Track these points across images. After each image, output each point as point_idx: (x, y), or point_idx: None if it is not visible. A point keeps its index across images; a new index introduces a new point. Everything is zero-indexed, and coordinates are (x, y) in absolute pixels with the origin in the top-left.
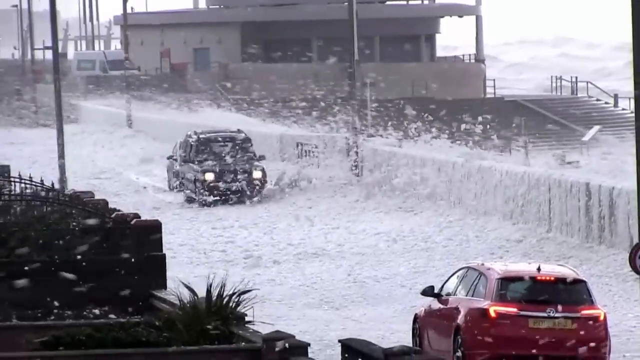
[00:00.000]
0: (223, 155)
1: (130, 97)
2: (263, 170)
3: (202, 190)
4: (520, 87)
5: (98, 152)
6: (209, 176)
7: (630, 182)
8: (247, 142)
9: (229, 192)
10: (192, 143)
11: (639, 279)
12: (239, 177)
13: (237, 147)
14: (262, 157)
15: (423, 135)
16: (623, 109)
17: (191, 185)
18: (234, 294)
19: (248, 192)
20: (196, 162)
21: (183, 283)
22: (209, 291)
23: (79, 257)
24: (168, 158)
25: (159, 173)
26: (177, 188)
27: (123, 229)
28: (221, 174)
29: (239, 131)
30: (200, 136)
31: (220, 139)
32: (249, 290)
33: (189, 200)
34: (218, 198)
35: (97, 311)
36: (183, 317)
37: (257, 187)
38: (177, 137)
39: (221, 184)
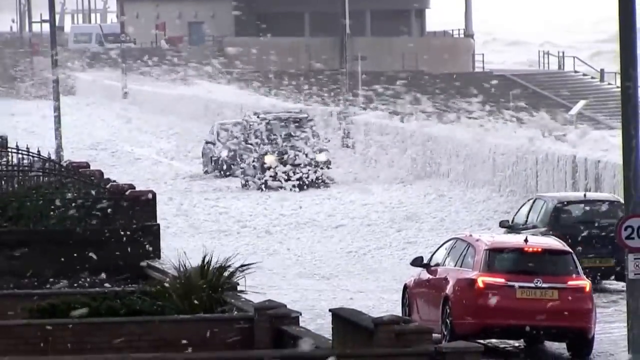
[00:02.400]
0: (285, 137)
1: (126, 69)
2: (327, 152)
3: (262, 175)
4: (508, 62)
5: (94, 123)
6: (270, 159)
7: (616, 155)
8: (309, 123)
9: (291, 176)
10: (252, 124)
11: (625, 251)
12: (302, 160)
13: (299, 128)
14: (325, 139)
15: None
16: (609, 84)
17: (250, 169)
18: (228, 264)
19: (312, 176)
20: (256, 145)
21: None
22: (204, 261)
23: (74, 227)
24: (206, 143)
25: (154, 144)
26: (214, 173)
27: (118, 199)
28: (283, 157)
29: (300, 111)
30: (261, 117)
31: (281, 119)
32: (251, 264)
33: (246, 184)
34: (280, 182)
35: (92, 280)
36: (177, 286)
37: (322, 171)
38: (171, 109)
39: (283, 168)
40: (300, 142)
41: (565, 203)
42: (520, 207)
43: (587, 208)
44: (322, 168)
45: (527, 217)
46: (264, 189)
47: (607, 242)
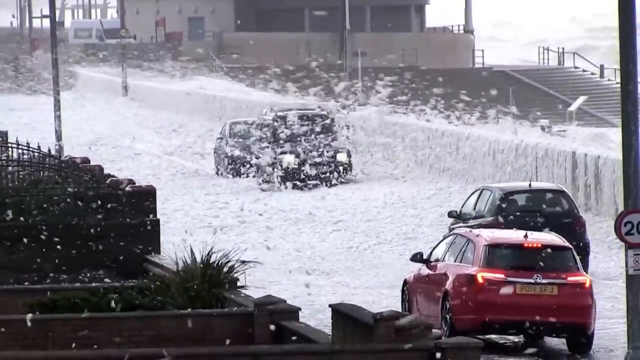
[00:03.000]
0: (304, 136)
1: (126, 65)
2: (348, 153)
3: (280, 175)
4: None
5: (94, 118)
6: (289, 159)
7: (616, 152)
8: (329, 122)
9: (311, 177)
10: (269, 122)
11: (624, 246)
12: (322, 160)
13: (319, 127)
14: (346, 138)
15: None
16: (609, 80)
17: (268, 168)
18: (228, 260)
19: (332, 178)
20: (273, 144)
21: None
22: (203, 256)
23: (74, 222)
24: (217, 141)
25: (154, 139)
26: (226, 172)
27: (118, 194)
28: (302, 157)
29: (320, 109)
30: (278, 114)
31: (300, 117)
32: (250, 261)
33: (264, 185)
34: (298, 183)
35: (91, 275)
36: (177, 281)
37: (343, 172)
38: (170, 105)
39: (302, 168)
40: (320, 141)
41: (511, 193)
42: (468, 198)
43: (532, 197)
44: (343, 168)
45: (475, 207)
46: (282, 189)
47: (551, 229)
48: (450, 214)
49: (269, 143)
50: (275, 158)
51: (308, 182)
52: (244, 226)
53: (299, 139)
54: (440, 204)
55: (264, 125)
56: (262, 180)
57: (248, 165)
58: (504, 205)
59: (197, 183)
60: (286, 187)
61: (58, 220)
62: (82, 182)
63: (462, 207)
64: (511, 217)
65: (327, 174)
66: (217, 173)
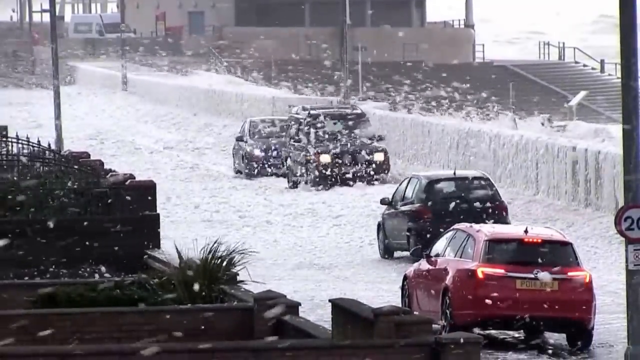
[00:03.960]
0: (338, 134)
1: (126, 59)
2: (385, 152)
3: (315, 174)
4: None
5: (94, 113)
6: (325, 158)
7: (616, 146)
8: (364, 120)
9: (346, 177)
10: (302, 120)
11: (624, 241)
12: (358, 159)
13: (353, 126)
14: (381, 138)
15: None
16: (609, 75)
17: (301, 168)
18: (228, 254)
19: (368, 177)
20: (308, 142)
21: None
22: (203, 251)
23: (74, 217)
24: (236, 139)
25: (155, 134)
26: (245, 172)
27: (117, 189)
28: (338, 156)
29: (353, 107)
30: (312, 112)
31: (334, 116)
32: (246, 251)
33: (294, 185)
34: (332, 182)
35: (91, 270)
36: (177, 276)
37: (380, 171)
38: (170, 99)
39: (338, 168)
40: (356, 141)
41: (436, 180)
42: (399, 186)
43: (456, 184)
44: (380, 168)
45: (404, 194)
46: (317, 189)
47: (474, 214)
48: (382, 201)
49: (301, 142)
50: (308, 157)
51: (343, 181)
52: (244, 221)
53: (334, 138)
54: None
55: (296, 123)
56: (292, 180)
57: (274, 165)
58: (429, 192)
59: (197, 178)
60: (326, 187)
61: (58, 215)
62: (82, 176)
63: (393, 194)
64: (436, 202)
65: (364, 174)
66: (236, 173)
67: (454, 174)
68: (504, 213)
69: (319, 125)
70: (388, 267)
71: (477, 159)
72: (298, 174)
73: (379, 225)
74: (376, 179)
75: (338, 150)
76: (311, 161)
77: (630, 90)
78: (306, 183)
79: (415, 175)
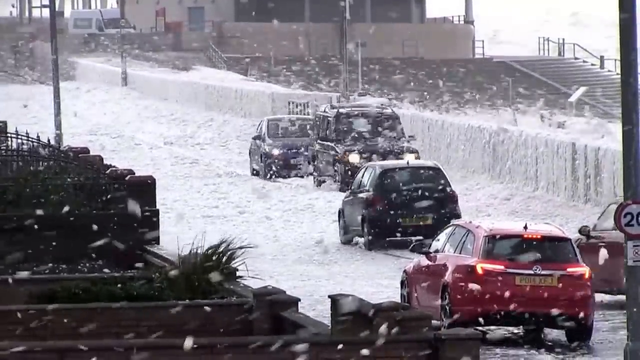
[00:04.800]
0: (368, 134)
1: (125, 55)
2: (417, 153)
3: (343, 174)
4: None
5: (94, 109)
6: (354, 158)
7: (615, 143)
8: (394, 119)
9: None
10: (330, 119)
11: (624, 237)
12: (388, 160)
13: (383, 125)
14: (412, 138)
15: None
16: (609, 71)
17: (328, 167)
18: (227, 250)
19: None
20: (336, 142)
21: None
22: (202, 247)
23: (73, 212)
24: (254, 138)
25: (154, 130)
26: (262, 172)
27: (117, 184)
28: (367, 156)
29: (383, 106)
30: (340, 111)
31: (363, 115)
32: (246, 247)
33: (321, 184)
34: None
35: (91, 265)
36: (176, 272)
37: None
38: (170, 95)
39: None
40: (386, 141)
41: (390, 169)
42: (357, 174)
43: (409, 173)
44: None
45: (361, 182)
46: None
47: (426, 202)
48: (342, 189)
49: (329, 141)
50: (336, 157)
51: None
52: (243, 217)
53: (363, 137)
54: None
55: (323, 122)
56: (319, 180)
57: (294, 165)
58: (383, 181)
59: (196, 173)
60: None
61: (57, 210)
62: (81, 172)
63: (352, 182)
64: (389, 190)
65: None
66: (253, 173)
67: (407, 163)
68: (454, 201)
69: (347, 124)
70: (388, 263)
71: (477, 153)
72: (326, 174)
73: (339, 211)
74: None
75: (367, 150)
76: (340, 161)
77: (630, 87)
78: (335, 181)
79: (372, 164)
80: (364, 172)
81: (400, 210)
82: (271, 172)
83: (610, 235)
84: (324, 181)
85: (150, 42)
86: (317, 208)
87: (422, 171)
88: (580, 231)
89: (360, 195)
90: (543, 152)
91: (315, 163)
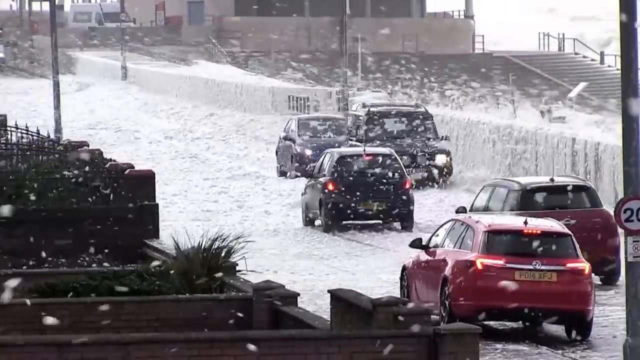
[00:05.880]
0: (399, 134)
1: (125, 49)
2: (448, 155)
3: None
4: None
5: (93, 102)
6: None
7: (615, 138)
8: (427, 119)
9: None
10: (361, 118)
11: (624, 233)
12: (418, 161)
13: (415, 125)
14: (445, 138)
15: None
16: (609, 66)
17: None
18: (226, 245)
19: (429, 180)
20: (366, 141)
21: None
22: (202, 241)
23: (73, 206)
24: (283, 139)
25: (154, 124)
26: (291, 174)
27: (117, 178)
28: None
29: (416, 106)
30: (372, 110)
31: (395, 114)
32: (242, 240)
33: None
34: None
35: (90, 259)
36: (176, 266)
37: (442, 175)
38: (170, 89)
39: None
40: (418, 141)
41: (347, 156)
42: (319, 160)
43: (364, 160)
44: (442, 171)
45: (320, 168)
46: None
47: (381, 188)
48: (306, 174)
49: (360, 141)
50: None
51: None
52: (242, 211)
53: (393, 137)
54: (439, 190)
55: (356, 120)
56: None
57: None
58: (339, 167)
59: (196, 168)
60: None
61: (57, 204)
62: (80, 166)
63: (313, 167)
64: (344, 176)
65: (423, 177)
66: (280, 175)
67: (364, 150)
68: (407, 187)
69: (379, 123)
70: (387, 258)
71: (476, 148)
72: None
73: (302, 195)
74: (436, 183)
75: (398, 150)
76: None
77: (630, 82)
78: None
79: (331, 151)
80: (324, 158)
81: (356, 194)
82: (303, 173)
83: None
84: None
85: (150, 36)
86: None
87: (377, 158)
88: (457, 211)
89: (319, 179)
90: (543, 147)
91: None
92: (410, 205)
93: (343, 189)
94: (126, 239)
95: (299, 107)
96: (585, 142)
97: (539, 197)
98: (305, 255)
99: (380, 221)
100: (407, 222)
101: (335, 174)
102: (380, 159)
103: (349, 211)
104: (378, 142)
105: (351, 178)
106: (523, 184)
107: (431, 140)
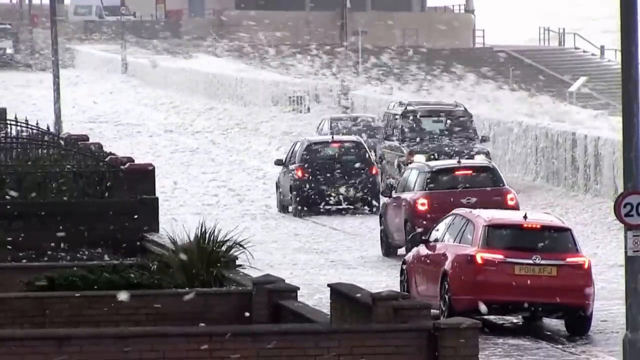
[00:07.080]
0: (437, 133)
1: (125, 42)
2: (488, 155)
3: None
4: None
5: (94, 96)
6: (420, 159)
7: (615, 133)
8: (466, 119)
9: None
10: (397, 117)
11: (623, 227)
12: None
13: (454, 125)
14: (485, 138)
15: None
16: (609, 61)
17: (392, 169)
18: (227, 240)
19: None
20: (402, 141)
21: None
22: (202, 235)
23: (72, 199)
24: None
25: (154, 117)
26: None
27: (116, 172)
28: (434, 157)
29: (456, 104)
30: (408, 108)
31: (433, 113)
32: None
33: (387, 189)
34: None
35: (90, 253)
36: (175, 260)
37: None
38: (170, 83)
39: None
40: (456, 141)
41: (315, 143)
42: (290, 148)
43: (332, 147)
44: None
45: (291, 155)
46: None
47: (349, 174)
48: (277, 162)
49: (395, 141)
50: (401, 158)
51: None
52: (242, 205)
53: (431, 136)
54: None
55: (392, 120)
56: (386, 183)
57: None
58: (308, 154)
59: (197, 161)
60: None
61: (57, 197)
62: (80, 159)
63: (286, 155)
64: (313, 163)
65: None
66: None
67: (332, 138)
68: (373, 173)
69: (415, 123)
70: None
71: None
72: (391, 177)
73: (276, 183)
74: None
75: (435, 150)
76: (404, 162)
77: (630, 77)
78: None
79: (301, 139)
80: (295, 147)
81: (324, 181)
82: None
83: (403, 195)
84: (391, 185)
85: (151, 30)
86: None
87: (345, 145)
88: (382, 193)
89: (291, 167)
90: (543, 142)
91: (382, 164)
92: (376, 187)
93: (311, 175)
94: (126, 233)
95: (298, 101)
96: (585, 137)
97: (444, 177)
98: (305, 250)
99: (350, 206)
100: (374, 206)
101: (304, 161)
102: (348, 145)
103: (317, 197)
104: (414, 143)
105: (319, 165)
106: (431, 166)
107: (471, 140)
